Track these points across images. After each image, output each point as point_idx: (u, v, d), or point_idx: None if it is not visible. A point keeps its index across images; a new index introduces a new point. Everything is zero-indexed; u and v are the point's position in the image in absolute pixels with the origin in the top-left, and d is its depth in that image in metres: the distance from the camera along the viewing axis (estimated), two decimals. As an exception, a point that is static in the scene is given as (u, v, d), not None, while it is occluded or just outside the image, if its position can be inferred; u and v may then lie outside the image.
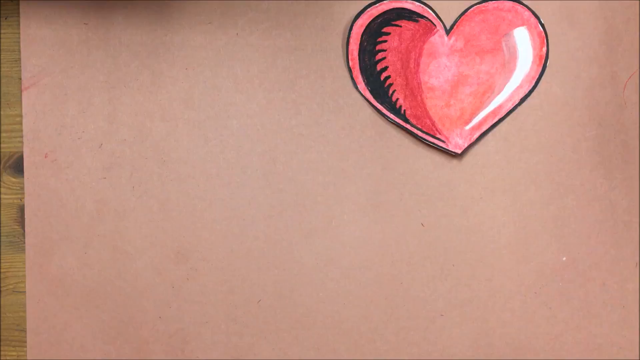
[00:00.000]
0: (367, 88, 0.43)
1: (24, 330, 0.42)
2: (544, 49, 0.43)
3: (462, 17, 0.43)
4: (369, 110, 0.43)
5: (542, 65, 0.43)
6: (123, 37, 0.43)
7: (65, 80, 0.43)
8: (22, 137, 0.42)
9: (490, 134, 0.43)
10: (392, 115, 0.43)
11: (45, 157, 0.42)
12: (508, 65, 0.43)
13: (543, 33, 0.43)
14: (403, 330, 0.42)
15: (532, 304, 0.43)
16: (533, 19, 0.43)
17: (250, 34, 0.43)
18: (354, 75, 0.43)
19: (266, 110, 0.43)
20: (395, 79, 0.43)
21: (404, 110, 0.43)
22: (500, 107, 0.43)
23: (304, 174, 0.43)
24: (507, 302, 0.42)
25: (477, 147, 0.43)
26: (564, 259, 0.43)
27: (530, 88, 0.43)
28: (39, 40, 0.43)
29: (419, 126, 0.43)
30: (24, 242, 0.42)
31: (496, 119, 0.43)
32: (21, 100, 0.42)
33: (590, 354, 0.42)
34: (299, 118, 0.43)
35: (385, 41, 0.43)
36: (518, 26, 0.43)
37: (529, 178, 0.43)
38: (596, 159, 0.43)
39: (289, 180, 0.43)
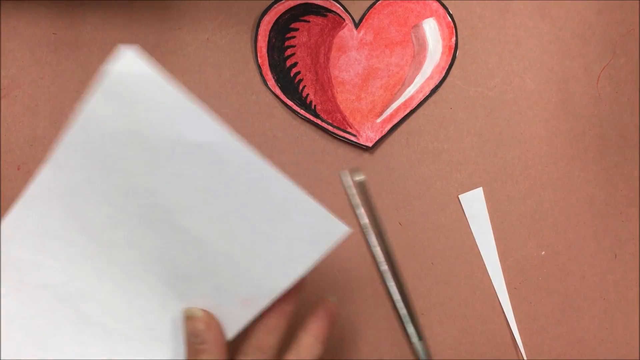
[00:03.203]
0: (277, 85, 0.43)
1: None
2: (453, 39, 0.43)
3: (370, 10, 0.43)
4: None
5: (451, 56, 0.43)
6: (93, 45, 0.43)
7: (35, 92, 0.42)
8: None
9: (465, 130, 0.43)
10: (302, 111, 0.42)
11: (18, 169, 0.42)
12: (418, 56, 0.43)
13: (452, 23, 0.43)
14: (383, 330, 0.42)
15: (512, 299, 0.42)
16: (441, 9, 0.43)
17: (221, 38, 0.43)
18: (263, 73, 0.43)
19: (240, 114, 0.43)
20: (305, 75, 0.43)
21: (315, 106, 0.42)
22: (411, 98, 0.43)
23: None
24: (488, 299, 0.42)
25: (453, 144, 0.43)
26: (543, 253, 0.43)
27: (440, 79, 0.43)
28: (8, 53, 0.42)
29: (330, 121, 0.42)
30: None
31: (407, 111, 0.43)
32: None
33: (572, 347, 0.42)
34: (273, 121, 0.43)
35: (294, 37, 0.43)
36: (426, 17, 0.43)
37: (506, 173, 0.43)
38: (572, 151, 0.43)
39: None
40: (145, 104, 0.31)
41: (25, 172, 0.42)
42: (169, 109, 0.31)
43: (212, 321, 0.33)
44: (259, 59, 0.43)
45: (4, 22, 0.43)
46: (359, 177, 0.32)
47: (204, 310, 0.33)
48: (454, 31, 0.43)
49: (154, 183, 0.32)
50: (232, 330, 0.33)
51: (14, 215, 0.33)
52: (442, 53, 0.43)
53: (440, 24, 0.43)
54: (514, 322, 0.42)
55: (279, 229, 0.32)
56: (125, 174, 0.32)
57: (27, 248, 0.33)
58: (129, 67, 0.30)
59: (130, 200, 0.32)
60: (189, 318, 0.33)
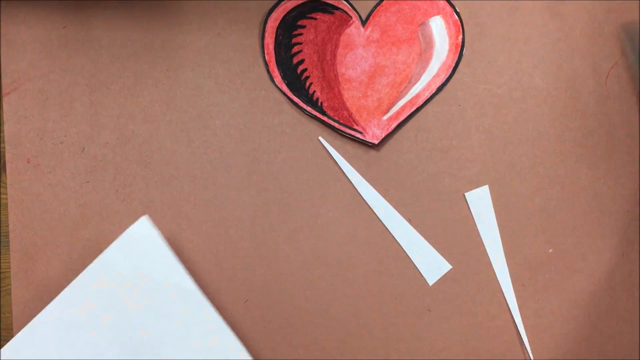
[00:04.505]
0: (284, 81, 0.43)
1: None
2: (460, 37, 0.43)
3: (377, 8, 0.43)
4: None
5: (458, 54, 0.43)
6: (103, 39, 0.43)
7: (46, 85, 0.42)
8: (3, 142, 0.42)
9: (473, 128, 0.43)
10: (308, 108, 0.43)
11: (28, 162, 0.42)
12: (424, 54, 0.43)
13: (459, 21, 0.43)
14: (391, 326, 0.42)
15: (520, 296, 0.42)
16: (448, 7, 0.43)
17: (231, 33, 0.43)
18: (270, 69, 0.43)
19: (249, 109, 0.43)
20: (312, 72, 0.43)
21: (321, 103, 0.43)
22: (417, 96, 0.43)
23: (288, 173, 0.43)
24: (494, 296, 0.42)
25: (460, 142, 0.43)
26: (551, 250, 0.43)
27: (447, 76, 0.43)
28: (19, 46, 0.42)
29: (336, 118, 0.43)
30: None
31: (414, 109, 0.43)
32: (2, 106, 0.42)
33: (579, 345, 0.42)
34: (282, 116, 0.43)
35: (301, 34, 0.43)
36: (433, 15, 0.43)
37: (514, 170, 0.43)
38: (580, 149, 0.43)
39: (273, 179, 0.43)
40: (147, 262, 0.38)
41: (35, 165, 0.42)
42: (165, 272, 0.38)
43: None
44: (266, 55, 0.43)
45: (15, 16, 0.43)
46: None
47: None
48: (461, 29, 0.44)
49: (146, 323, 0.38)
50: None
51: (14, 344, 0.37)
52: (449, 51, 0.43)
53: (447, 22, 0.43)
54: (520, 319, 0.42)
55: None
56: (121, 312, 0.38)
57: None
58: (143, 230, 0.38)
59: (121, 334, 0.38)
60: None
